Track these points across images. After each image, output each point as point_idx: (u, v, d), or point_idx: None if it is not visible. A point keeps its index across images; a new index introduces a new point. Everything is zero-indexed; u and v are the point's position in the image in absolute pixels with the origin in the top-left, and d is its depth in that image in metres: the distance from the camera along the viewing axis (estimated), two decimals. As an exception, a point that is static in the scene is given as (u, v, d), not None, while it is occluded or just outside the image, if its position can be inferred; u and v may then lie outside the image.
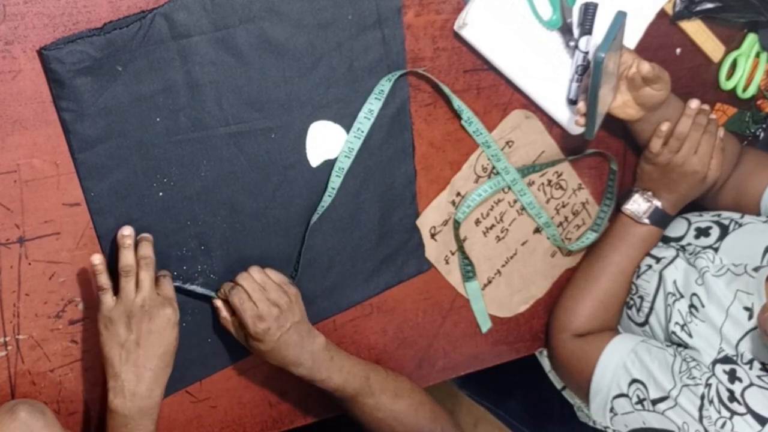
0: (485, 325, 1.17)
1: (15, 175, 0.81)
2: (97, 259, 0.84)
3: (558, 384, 1.27)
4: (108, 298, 0.85)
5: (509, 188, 1.10)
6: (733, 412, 0.92)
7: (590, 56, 1.02)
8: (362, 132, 0.96)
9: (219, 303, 0.93)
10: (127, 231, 0.86)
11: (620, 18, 0.95)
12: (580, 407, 1.27)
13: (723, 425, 0.92)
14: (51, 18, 0.78)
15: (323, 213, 0.97)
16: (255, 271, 0.93)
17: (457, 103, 1.00)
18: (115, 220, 0.87)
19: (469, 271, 1.11)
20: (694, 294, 1.02)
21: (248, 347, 0.93)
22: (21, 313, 0.86)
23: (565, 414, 1.29)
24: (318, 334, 0.96)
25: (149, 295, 0.86)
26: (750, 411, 0.91)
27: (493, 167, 1.08)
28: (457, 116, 1.02)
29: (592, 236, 1.17)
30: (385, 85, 0.95)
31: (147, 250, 0.86)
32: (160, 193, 0.88)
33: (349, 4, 0.90)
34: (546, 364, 1.26)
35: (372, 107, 0.95)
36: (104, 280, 0.84)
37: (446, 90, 0.99)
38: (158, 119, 0.85)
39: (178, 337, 0.88)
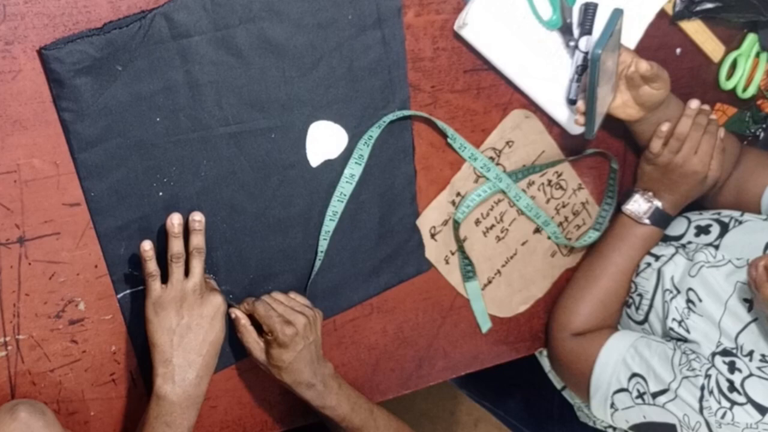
0: (485, 325, 1.17)
1: (15, 175, 0.81)
2: (147, 245, 0.85)
3: (558, 384, 1.28)
4: (157, 285, 0.86)
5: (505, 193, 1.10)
6: (733, 402, 0.92)
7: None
8: (354, 177, 0.98)
9: (238, 312, 0.94)
10: (176, 220, 0.86)
11: (617, 15, 0.95)
12: (580, 407, 1.28)
13: (723, 415, 0.92)
14: (51, 18, 0.78)
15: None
16: (277, 293, 0.96)
17: (441, 124, 1.01)
18: (115, 220, 0.87)
19: (469, 271, 1.11)
20: (690, 289, 1.02)
21: (266, 360, 0.93)
22: (21, 313, 0.86)
23: (565, 414, 1.29)
24: (328, 361, 0.97)
25: (200, 281, 0.87)
26: (750, 400, 0.92)
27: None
28: (443, 134, 1.02)
29: (594, 235, 1.18)
30: (363, 150, 0.97)
31: (199, 240, 0.87)
32: (160, 193, 0.88)
33: (349, 4, 0.90)
34: (546, 364, 1.27)
35: (362, 152, 0.97)
36: (153, 266, 0.85)
37: (425, 114, 0.99)
38: (158, 119, 0.85)
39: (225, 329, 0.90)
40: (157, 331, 0.86)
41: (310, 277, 1.00)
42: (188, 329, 0.86)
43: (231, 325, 0.96)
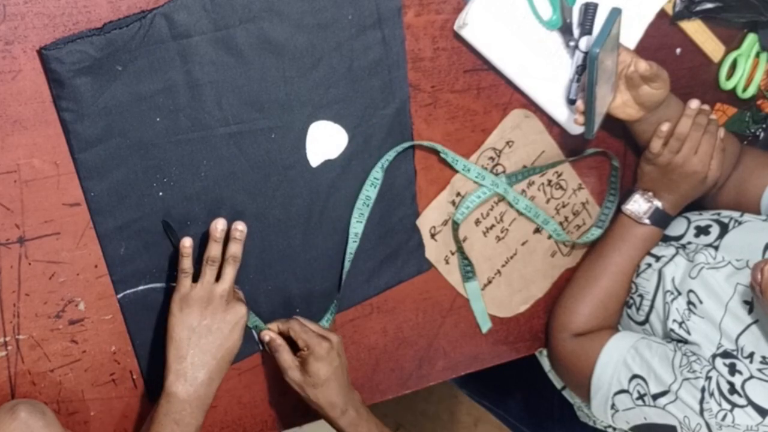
0: (485, 326, 1.17)
1: (15, 175, 0.81)
2: (188, 242, 0.87)
3: (558, 384, 1.28)
4: (188, 282, 0.87)
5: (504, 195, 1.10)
6: (734, 404, 0.92)
7: (590, 56, 1.02)
8: (363, 216, 1.00)
9: (271, 333, 0.95)
10: (220, 225, 0.89)
11: (615, 14, 0.95)
12: (580, 407, 1.28)
13: (724, 417, 0.92)
14: (51, 18, 0.78)
15: (324, 216, 0.98)
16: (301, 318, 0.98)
17: (429, 144, 1.01)
18: (115, 220, 0.87)
19: (468, 272, 1.11)
20: (691, 290, 1.02)
21: (302, 378, 0.93)
22: (21, 313, 0.86)
23: (565, 414, 1.29)
24: (355, 390, 0.98)
25: (230, 288, 0.89)
26: (750, 403, 0.92)
27: (493, 169, 1.08)
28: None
29: (596, 232, 1.17)
30: (378, 174, 0.99)
31: (237, 249, 0.90)
32: (160, 193, 0.88)
33: (349, 4, 0.90)
34: (546, 364, 1.27)
35: (369, 194, 1.00)
36: (189, 264, 0.88)
37: (414, 143, 1.01)
38: (158, 119, 0.85)
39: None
40: (178, 325, 0.87)
41: (341, 282, 1.02)
42: (208, 331, 0.87)
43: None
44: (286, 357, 0.94)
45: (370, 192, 0.99)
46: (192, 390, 0.86)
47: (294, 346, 0.95)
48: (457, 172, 1.05)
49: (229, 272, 0.89)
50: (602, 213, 1.19)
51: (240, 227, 0.90)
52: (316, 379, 0.93)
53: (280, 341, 0.95)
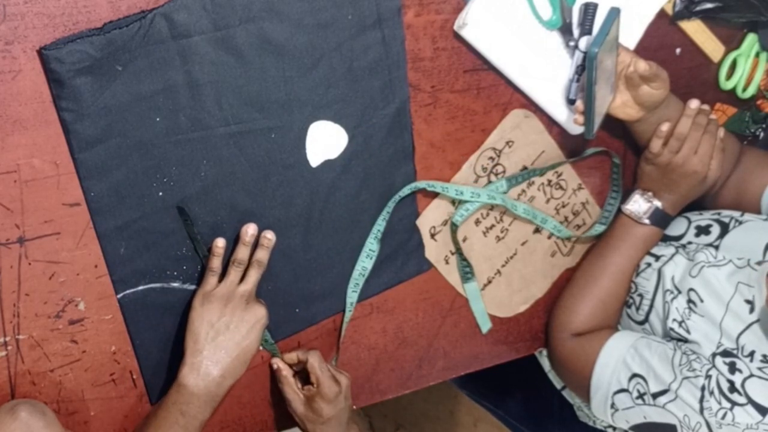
0: (485, 326, 1.17)
1: (15, 175, 0.81)
2: (221, 243, 0.90)
3: (558, 384, 1.28)
4: (214, 280, 0.90)
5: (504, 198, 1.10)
6: (734, 403, 0.92)
7: (590, 56, 1.02)
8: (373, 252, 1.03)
9: (280, 363, 0.98)
10: (251, 230, 0.92)
11: (613, 14, 0.95)
12: (580, 407, 1.28)
13: (724, 416, 0.92)
14: (51, 18, 0.78)
15: (324, 216, 0.98)
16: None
17: (415, 185, 1.02)
18: (115, 220, 0.87)
19: (467, 273, 1.11)
20: (691, 289, 1.02)
21: (305, 412, 0.96)
22: (21, 313, 0.86)
23: (565, 414, 1.29)
24: (353, 424, 1.00)
25: (252, 290, 0.91)
26: (750, 401, 0.92)
27: (493, 168, 1.08)
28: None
29: (600, 228, 1.17)
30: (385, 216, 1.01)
31: (264, 255, 0.92)
32: (160, 193, 0.88)
33: (349, 4, 0.90)
34: (546, 364, 1.27)
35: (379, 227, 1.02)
36: (218, 264, 0.90)
37: (401, 195, 1.02)
38: (158, 119, 0.85)
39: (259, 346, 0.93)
40: (197, 320, 0.88)
41: (342, 328, 1.04)
42: (226, 328, 0.89)
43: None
44: (289, 390, 0.97)
45: (366, 263, 1.02)
46: (203, 385, 0.87)
47: (304, 374, 0.98)
48: (457, 201, 1.06)
49: (253, 275, 0.91)
50: (605, 210, 1.19)
51: (269, 236, 0.93)
52: (318, 417, 0.95)
53: (286, 373, 0.97)
